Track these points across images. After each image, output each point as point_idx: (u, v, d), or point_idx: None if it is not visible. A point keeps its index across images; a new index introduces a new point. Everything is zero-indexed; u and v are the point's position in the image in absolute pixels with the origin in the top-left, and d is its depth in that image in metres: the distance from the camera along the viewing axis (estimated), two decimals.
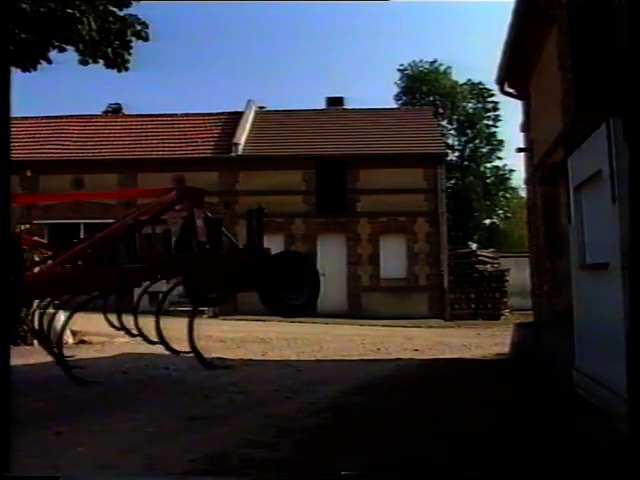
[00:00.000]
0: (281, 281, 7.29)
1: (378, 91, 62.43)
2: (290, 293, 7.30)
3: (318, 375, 8.35)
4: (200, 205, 7.62)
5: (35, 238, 10.16)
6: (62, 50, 12.62)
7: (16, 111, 18.14)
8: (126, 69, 13.45)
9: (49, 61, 12.62)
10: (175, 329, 7.41)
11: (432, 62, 42.77)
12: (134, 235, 6.84)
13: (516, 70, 10.15)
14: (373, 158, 22.98)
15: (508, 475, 4.09)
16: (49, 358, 7.27)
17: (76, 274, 6.88)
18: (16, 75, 11.39)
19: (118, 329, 7.92)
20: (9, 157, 3.28)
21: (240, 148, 23.70)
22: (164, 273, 7.33)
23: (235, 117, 25.51)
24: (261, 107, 27.00)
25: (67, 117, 26.14)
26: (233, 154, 23.41)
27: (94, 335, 11.46)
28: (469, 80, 42.38)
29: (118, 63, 13.29)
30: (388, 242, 22.55)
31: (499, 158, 41.56)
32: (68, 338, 10.57)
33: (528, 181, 11.17)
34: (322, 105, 27.95)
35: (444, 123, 40.53)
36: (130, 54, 13.39)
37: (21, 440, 4.09)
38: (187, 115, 26.40)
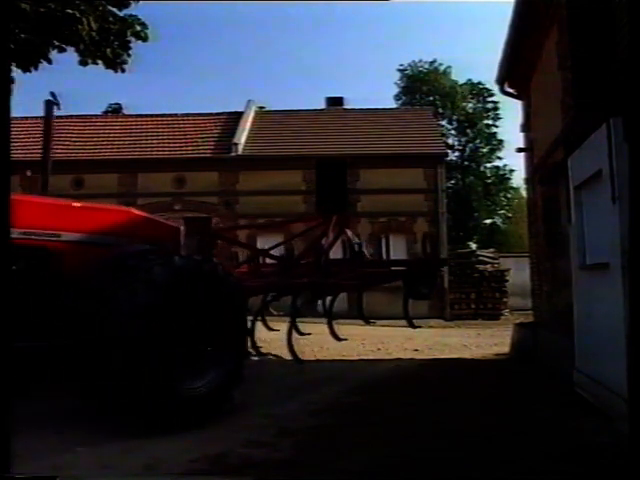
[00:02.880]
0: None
1: (378, 91, 62.56)
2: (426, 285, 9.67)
3: (318, 375, 8.34)
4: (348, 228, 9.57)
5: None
6: (62, 50, 12.62)
7: (16, 111, 18.12)
8: (125, 70, 13.47)
9: (49, 61, 12.61)
10: None
11: (432, 62, 42.90)
12: (321, 253, 8.53)
13: (516, 70, 10.15)
14: (373, 158, 22.98)
15: (508, 475, 4.09)
16: None
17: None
18: (16, 75, 11.39)
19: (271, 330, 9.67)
20: (9, 157, 3.28)
21: (240, 148, 23.70)
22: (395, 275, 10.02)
23: (235, 117, 25.52)
24: (261, 107, 27.01)
25: (67, 117, 26.14)
26: (233, 154, 23.41)
27: None
28: (469, 80, 42.48)
29: (117, 63, 13.30)
30: (388, 242, 22.56)
31: (499, 158, 41.68)
32: None
33: (528, 181, 11.16)
34: (322, 105, 27.98)
35: (444, 123, 40.56)
36: (130, 55, 13.39)
37: (21, 440, 4.08)
38: (187, 115, 26.40)
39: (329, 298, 9.37)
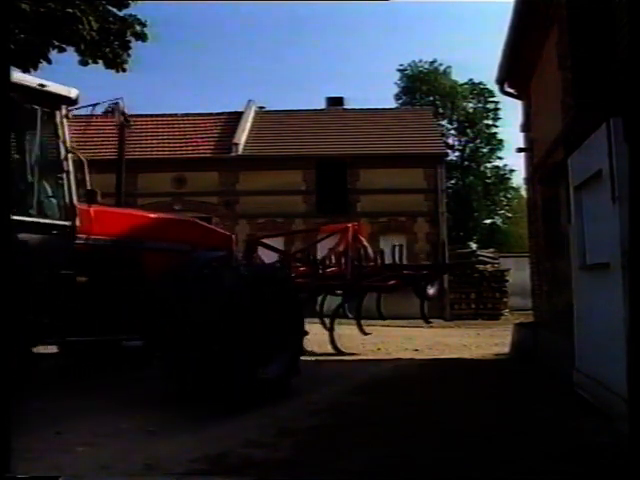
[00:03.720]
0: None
1: (378, 91, 62.60)
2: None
3: (318, 375, 8.34)
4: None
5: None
6: (62, 50, 12.62)
7: None
8: (125, 70, 13.47)
9: (49, 61, 12.62)
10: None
11: (432, 62, 42.88)
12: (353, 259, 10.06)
13: (516, 70, 10.14)
14: (373, 158, 22.99)
15: (508, 475, 4.09)
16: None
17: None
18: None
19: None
20: (9, 157, 3.28)
21: (240, 148, 23.70)
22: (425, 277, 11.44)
23: (235, 117, 25.52)
24: (261, 107, 27.01)
25: (67, 117, 26.11)
26: (233, 154, 23.41)
27: None
28: (469, 80, 42.47)
29: (117, 63, 13.31)
30: (388, 242, 22.54)
31: (499, 158, 41.66)
32: None
33: (528, 181, 11.16)
34: (322, 105, 27.99)
35: (444, 123, 40.56)
36: (129, 55, 13.40)
37: (21, 440, 4.08)
38: (187, 115, 26.40)
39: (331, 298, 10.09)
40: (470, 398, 6.72)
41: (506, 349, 10.83)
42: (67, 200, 5.95)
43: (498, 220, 43.22)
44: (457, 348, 12.01)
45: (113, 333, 6.37)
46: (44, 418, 5.44)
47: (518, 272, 20.34)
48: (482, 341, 13.19)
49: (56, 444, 4.51)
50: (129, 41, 13.23)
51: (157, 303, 6.07)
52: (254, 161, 23.35)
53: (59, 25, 11.84)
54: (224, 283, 6.07)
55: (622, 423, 4.46)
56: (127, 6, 13.16)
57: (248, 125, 24.99)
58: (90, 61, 13.06)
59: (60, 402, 6.19)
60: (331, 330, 10.21)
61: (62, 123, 5.98)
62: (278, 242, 11.33)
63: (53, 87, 5.91)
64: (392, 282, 10.60)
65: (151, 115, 26.53)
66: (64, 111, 6.02)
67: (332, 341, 10.12)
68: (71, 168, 6.01)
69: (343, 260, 10.29)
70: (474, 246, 26.10)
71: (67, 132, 6.01)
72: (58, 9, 11.70)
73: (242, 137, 24.16)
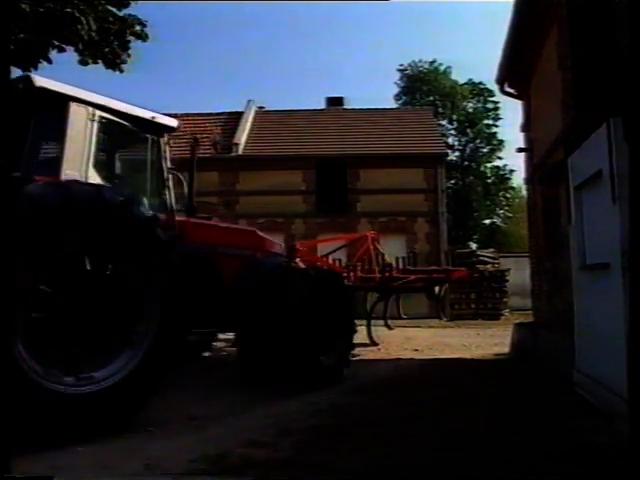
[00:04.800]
0: None
1: (378, 91, 62.53)
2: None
3: None
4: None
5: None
6: (62, 50, 12.62)
7: None
8: (124, 70, 13.47)
9: (49, 61, 12.62)
10: None
11: (432, 62, 42.84)
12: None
13: (516, 70, 10.15)
14: (373, 158, 22.97)
15: (508, 475, 4.09)
16: None
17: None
18: (16, 75, 11.37)
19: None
20: (9, 156, 3.28)
21: (240, 148, 23.69)
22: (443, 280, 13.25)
23: (235, 117, 25.50)
24: (261, 107, 26.99)
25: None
26: (233, 154, 23.39)
27: None
28: (469, 80, 42.44)
29: (117, 63, 13.30)
30: (388, 242, 22.52)
31: (499, 158, 41.61)
32: None
33: (528, 181, 11.17)
34: (322, 105, 27.98)
35: (444, 123, 40.55)
36: (129, 54, 13.40)
37: (21, 440, 4.08)
38: (187, 115, 26.38)
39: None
40: (470, 398, 6.72)
41: (506, 349, 10.83)
42: (169, 212, 6.75)
43: (498, 220, 43.20)
44: (457, 348, 12.01)
45: (212, 326, 7.68)
46: None
47: (518, 272, 20.32)
48: (482, 341, 13.18)
49: (56, 444, 4.50)
50: (129, 41, 13.22)
51: (240, 301, 7.15)
52: (254, 161, 23.33)
53: (59, 25, 11.83)
54: (298, 285, 7.38)
55: (622, 423, 4.46)
56: (127, 6, 13.17)
57: (248, 125, 24.97)
58: (90, 61, 13.05)
59: None
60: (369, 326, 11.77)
61: (165, 148, 6.87)
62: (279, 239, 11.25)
63: (161, 118, 6.82)
64: (420, 284, 12.32)
65: None
66: (166, 138, 6.90)
67: (370, 334, 11.68)
68: (172, 185, 6.90)
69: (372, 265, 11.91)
70: (474, 246, 26.07)
71: (169, 155, 6.94)
72: (58, 9, 11.70)
73: (242, 137, 24.15)
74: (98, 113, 5.98)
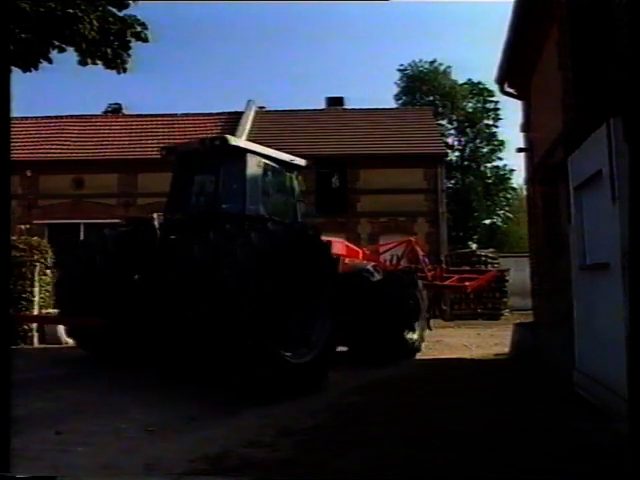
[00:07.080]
0: None
1: (378, 91, 62.48)
2: None
3: None
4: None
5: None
6: (62, 50, 12.63)
7: (16, 111, 18.15)
8: (124, 70, 13.47)
9: (49, 61, 12.63)
10: None
11: (432, 62, 42.78)
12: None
13: (516, 70, 10.15)
14: (373, 158, 22.96)
15: (508, 475, 4.08)
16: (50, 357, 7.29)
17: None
18: (16, 75, 11.39)
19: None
20: (9, 157, 3.28)
21: None
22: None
23: (235, 117, 25.50)
24: (261, 107, 26.99)
25: (67, 117, 26.12)
26: None
27: None
28: (469, 80, 42.40)
29: (117, 64, 13.31)
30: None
31: (499, 158, 41.57)
32: None
33: (528, 181, 11.16)
34: (322, 105, 27.97)
35: (444, 123, 40.53)
36: (129, 55, 13.40)
37: (21, 440, 4.09)
38: (187, 115, 26.38)
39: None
40: (470, 398, 6.72)
41: (506, 349, 10.83)
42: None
43: (498, 220, 43.16)
44: (457, 348, 12.01)
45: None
46: (44, 418, 5.45)
47: (518, 272, 20.31)
48: (482, 341, 13.19)
49: (56, 444, 4.51)
50: (129, 41, 13.23)
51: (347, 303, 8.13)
52: None
53: (59, 25, 11.84)
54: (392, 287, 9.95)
55: (622, 423, 4.46)
56: (127, 6, 13.17)
57: (248, 125, 24.97)
58: (90, 61, 13.06)
59: (60, 402, 6.20)
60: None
61: (297, 181, 9.19)
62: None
63: (296, 160, 9.13)
64: (467, 283, 13.94)
65: (151, 115, 26.53)
66: (296, 174, 9.22)
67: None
68: (300, 211, 9.04)
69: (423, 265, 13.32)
70: (474, 246, 26.05)
71: (298, 187, 9.23)
72: (58, 9, 11.71)
73: (242, 137, 24.13)
74: (263, 160, 8.29)
